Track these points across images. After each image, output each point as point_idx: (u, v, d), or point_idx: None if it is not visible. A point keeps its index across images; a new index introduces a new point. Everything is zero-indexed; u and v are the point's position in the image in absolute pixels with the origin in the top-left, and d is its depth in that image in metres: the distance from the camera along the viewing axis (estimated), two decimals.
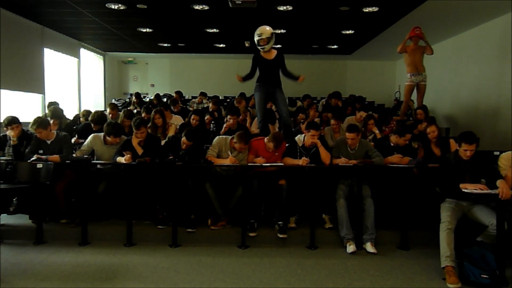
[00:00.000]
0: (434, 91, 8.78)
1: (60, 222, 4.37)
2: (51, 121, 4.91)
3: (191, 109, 8.00)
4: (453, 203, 3.53)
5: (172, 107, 6.70)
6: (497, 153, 4.11)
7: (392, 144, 4.50)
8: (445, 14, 6.84)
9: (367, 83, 11.83)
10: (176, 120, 5.94)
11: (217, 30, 8.54)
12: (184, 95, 9.82)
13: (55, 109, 5.86)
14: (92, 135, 4.62)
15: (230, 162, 4.23)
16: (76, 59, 9.85)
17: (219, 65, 11.64)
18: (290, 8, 6.73)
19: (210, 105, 7.30)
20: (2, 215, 4.37)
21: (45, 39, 8.24)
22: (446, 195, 3.62)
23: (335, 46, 10.21)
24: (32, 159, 4.15)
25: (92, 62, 11.06)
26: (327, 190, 4.22)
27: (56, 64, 8.97)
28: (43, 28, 8.14)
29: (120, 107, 8.06)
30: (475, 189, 3.33)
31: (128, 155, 4.19)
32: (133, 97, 8.90)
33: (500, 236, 3.23)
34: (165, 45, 10.27)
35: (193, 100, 9.22)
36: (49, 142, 4.41)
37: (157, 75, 12.67)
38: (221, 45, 10.24)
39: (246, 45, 9.49)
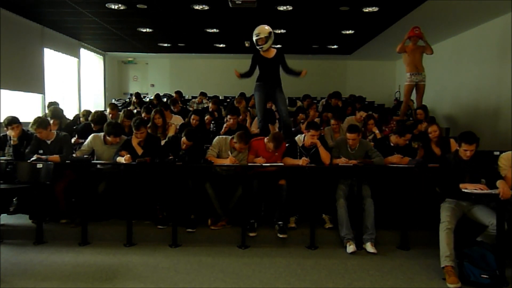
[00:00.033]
0: (434, 91, 8.79)
1: (60, 222, 4.37)
2: (51, 121, 4.91)
3: (191, 109, 8.00)
4: (453, 203, 3.53)
5: (172, 107, 6.70)
6: (497, 153, 4.11)
7: (392, 144, 4.50)
8: (445, 14, 6.84)
9: (367, 83, 11.83)
10: (176, 120, 5.94)
11: (217, 30, 8.54)
12: (184, 95, 9.82)
13: (55, 109, 5.86)
14: (92, 135, 4.62)
15: (230, 162, 4.23)
16: (76, 59, 9.85)
17: (219, 65, 11.64)
18: (290, 8, 6.73)
19: (210, 105, 7.30)
20: (2, 215, 4.37)
21: (45, 39, 8.24)
22: (446, 195, 3.62)
23: (335, 46, 10.21)
24: (32, 159, 4.16)
25: (92, 62, 11.06)
26: (327, 190, 4.22)
27: (56, 64, 8.97)
28: (43, 28, 8.14)
29: (120, 107, 8.06)
30: (475, 189, 3.33)
31: (128, 155, 4.19)
32: (133, 97, 8.90)
33: (500, 236, 3.23)
34: (165, 45, 10.27)
35: (193, 100, 9.22)
36: (49, 142, 4.41)
37: (157, 75, 12.67)
38: (221, 45, 10.24)
39: (246, 45, 9.49)
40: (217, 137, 4.58)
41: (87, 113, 5.97)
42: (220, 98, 9.56)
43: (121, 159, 4.20)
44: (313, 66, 11.53)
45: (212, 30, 8.53)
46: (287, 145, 4.52)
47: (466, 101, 7.91)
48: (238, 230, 4.09)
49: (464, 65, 8.00)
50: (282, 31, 8.42)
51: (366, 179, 4.18)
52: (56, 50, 8.83)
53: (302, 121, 5.84)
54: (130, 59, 12.67)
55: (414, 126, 5.68)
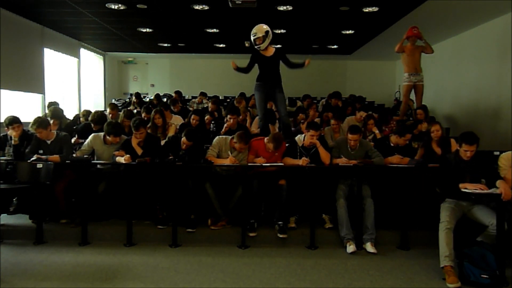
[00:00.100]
0: (434, 91, 8.79)
1: (60, 222, 4.37)
2: (51, 121, 4.91)
3: (191, 109, 8.00)
4: (453, 203, 3.53)
5: (172, 107, 6.70)
6: (497, 153, 4.11)
7: (392, 144, 4.50)
8: (445, 14, 6.84)
9: (367, 83, 11.84)
10: (176, 120, 5.94)
11: (217, 30, 8.54)
12: (184, 95, 9.82)
13: (55, 109, 5.86)
14: (92, 135, 4.62)
15: (230, 162, 4.23)
16: (76, 59, 9.85)
17: (219, 65, 11.63)
18: (290, 8, 6.73)
19: (209, 105, 7.29)
20: (2, 215, 4.37)
21: (45, 39, 8.24)
22: (446, 195, 3.62)
23: (335, 46, 10.22)
24: (32, 159, 4.15)
25: (92, 62, 11.06)
26: (327, 190, 4.22)
27: (56, 64, 8.97)
28: (43, 28, 8.14)
29: (120, 107, 8.07)
30: (475, 189, 3.33)
31: (128, 155, 4.18)
32: (133, 97, 8.90)
33: (500, 236, 3.23)
34: (165, 45, 10.27)
35: (193, 100, 9.22)
36: (49, 142, 4.41)
37: (157, 75, 12.67)
38: (221, 45, 10.24)
39: (246, 45, 9.49)
40: (217, 137, 4.58)
41: (87, 113, 5.97)
42: (220, 98, 9.55)
43: (120, 159, 4.20)
44: (313, 66, 11.45)
45: (212, 30, 8.53)
46: (287, 145, 4.52)
47: (466, 101, 7.91)
48: (238, 230, 4.09)
49: (464, 65, 8.00)
50: (282, 31, 8.42)
51: (366, 179, 4.18)
52: (56, 50, 8.83)
53: (302, 121, 5.84)
54: (130, 59, 12.67)
55: (414, 126, 5.68)
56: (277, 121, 5.72)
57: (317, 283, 3.23)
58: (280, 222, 4.12)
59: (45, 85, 8.30)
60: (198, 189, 4.26)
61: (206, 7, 6.74)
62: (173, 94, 9.00)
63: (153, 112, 5.42)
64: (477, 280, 3.13)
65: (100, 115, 5.39)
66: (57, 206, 4.36)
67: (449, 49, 8.56)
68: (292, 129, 5.68)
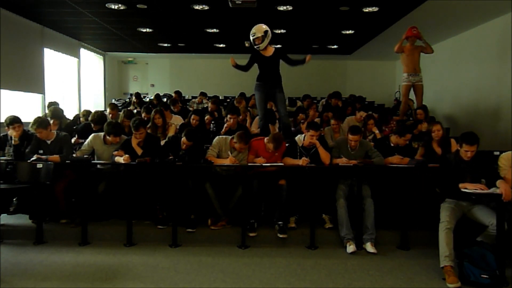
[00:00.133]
0: (434, 91, 8.79)
1: (60, 222, 4.37)
2: (51, 121, 4.91)
3: (191, 109, 8.00)
4: (453, 203, 3.53)
5: (171, 107, 6.70)
6: (497, 153, 4.11)
7: (392, 144, 4.50)
8: (445, 14, 6.84)
9: (367, 83, 11.84)
10: (176, 120, 5.94)
11: (217, 30, 8.54)
12: (184, 95, 9.82)
13: (55, 109, 5.86)
14: (92, 135, 4.62)
15: (230, 162, 4.23)
16: (76, 59, 9.85)
17: (219, 65, 11.63)
18: (290, 8, 6.73)
19: (209, 105, 7.29)
20: (2, 215, 4.37)
21: (45, 39, 8.24)
22: (446, 195, 3.62)
23: (335, 46, 10.21)
24: (32, 159, 4.15)
25: (92, 62, 11.06)
26: (327, 190, 4.22)
27: (56, 64, 8.96)
28: (43, 28, 8.14)
29: (120, 107, 8.07)
30: (475, 189, 3.33)
31: (127, 155, 4.18)
32: (133, 97, 8.90)
33: (500, 236, 3.23)
34: (165, 45, 10.27)
35: (193, 100, 9.22)
36: (49, 142, 4.41)
37: (157, 75, 12.67)
38: (221, 45, 10.23)
39: (246, 45, 9.49)
40: (217, 137, 4.59)
41: (87, 113, 5.97)
42: (220, 98, 9.56)
43: (119, 159, 4.20)
44: (313, 66, 11.55)
45: (212, 30, 8.53)
46: (287, 145, 4.52)
47: (466, 101, 7.91)
48: (238, 230, 4.09)
49: (464, 65, 8.00)
50: (282, 31, 8.42)
51: (366, 179, 4.18)
52: (56, 50, 8.83)
53: (302, 121, 5.84)
54: (130, 59, 12.67)
55: (414, 126, 5.68)
56: (277, 121, 5.72)
57: (317, 283, 3.23)
58: (280, 222, 4.12)
59: (45, 85, 8.30)
60: (198, 189, 4.26)
61: (206, 7, 6.74)
62: (173, 94, 9.01)
63: (153, 112, 5.42)
64: (477, 280, 3.13)
65: (100, 115, 5.39)
66: (57, 206, 4.36)
67: (449, 49, 8.56)
68: (292, 129, 5.68)
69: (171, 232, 4.08)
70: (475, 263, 3.18)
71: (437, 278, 3.29)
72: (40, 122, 4.31)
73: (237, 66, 5.27)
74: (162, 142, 4.77)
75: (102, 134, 4.54)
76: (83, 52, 10.22)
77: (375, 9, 6.68)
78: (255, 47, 5.15)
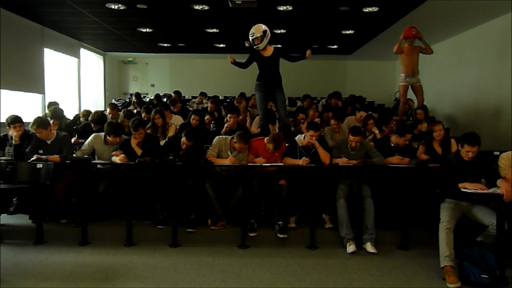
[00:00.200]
0: (434, 91, 8.79)
1: (60, 222, 4.37)
2: (51, 121, 4.90)
3: (191, 109, 8.00)
4: (453, 203, 3.53)
5: (171, 107, 6.70)
6: (497, 153, 4.11)
7: (392, 145, 4.49)
8: (445, 14, 6.84)
9: (367, 83, 11.83)
10: (176, 120, 5.94)
11: (217, 30, 8.55)
12: (184, 95, 9.82)
13: (55, 109, 5.85)
14: (93, 135, 4.62)
15: (230, 162, 4.23)
16: (76, 59, 9.85)
17: (219, 65, 11.63)
18: (290, 8, 6.73)
19: (209, 105, 7.29)
20: (2, 215, 4.37)
21: (45, 39, 8.24)
22: (446, 195, 3.62)
23: (335, 46, 10.22)
24: (32, 159, 4.15)
25: (92, 62, 11.06)
26: (327, 190, 4.22)
27: (56, 64, 8.97)
28: (43, 28, 8.14)
29: (120, 107, 8.07)
30: (476, 189, 3.33)
31: (123, 155, 4.18)
32: (133, 97, 8.90)
33: (500, 236, 3.23)
34: (165, 45, 10.27)
35: (193, 100, 9.23)
36: (49, 142, 4.41)
37: (157, 75, 12.67)
38: (221, 45, 10.24)
39: (246, 45, 9.47)
40: (217, 137, 4.58)
41: (87, 113, 5.97)
42: (220, 98, 9.56)
43: (116, 159, 4.20)
44: (313, 66, 11.58)
45: (212, 30, 8.54)
46: (287, 145, 4.52)
47: (466, 101, 7.91)
48: (238, 230, 4.09)
49: (464, 65, 8.00)
50: (282, 31, 8.42)
51: (366, 179, 4.18)
52: (56, 50, 8.83)
53: (302, 121, 5.84)
54: (130, 59, 12.67)
55: (414, 126, 5.68)
56: (277, 121, 5.72)
57: (317, 283, 3.23)
58: (280, 222, 4.12)
59: (45, 85, 8.30)
60: (198, 189, 4.26)
61: (206, 7, 6.74)
62: (173, 94, 9.01)
63: (153, 112, 5.42)
64: (477, 280, 3.13)
65: (100, 115, 5.39)
66: (57, 206, 4.36)
67: (449, 49, 8.56)
68: (292, 129, 5.68)
69: (171, 232, 4.08)
70: (475, 263, 3.18)
71: (437, 278, 3.29)
72: (40, 122, 4.31)
73: (235, 63, 5.27)
74: (162, 142, 4.77)
75: (102, 134, 4.54)
76: (83, 52, 10.23)
77: (375, 9, 6.69)
78: (255, 47, 5.15)
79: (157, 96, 9.21)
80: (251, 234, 4.09)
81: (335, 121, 5.37)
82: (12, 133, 4.41)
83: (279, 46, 9.49)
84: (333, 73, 12.15)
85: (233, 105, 6.55)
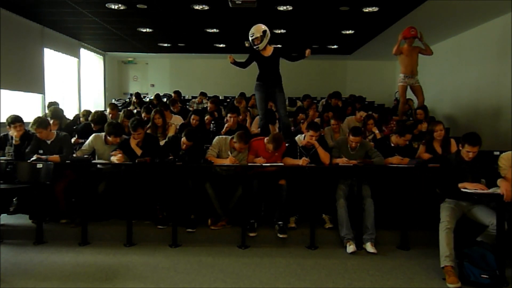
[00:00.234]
0: (434, 91, 8.79)
1: (60, 222, 4.37)
2: (51, 121, 4.90)
3: (191, 109, 8.00)
4: (453, 203, 3.53)
5: (171, 108, 6.70)
6: (497, 153, 4.11)
7: (392, 145, 4.49)
8: (445, 14, 6.84)
9: (367, 83, 11.83)
10: (176, 120, 5.94)
11: (217, 30, 8.55)
12: (184, 95, 9.82)
13: (55, 109, 5.85)
14: (93, 135, 4.61)
15: (230, 162, 4.23)
16: (76, 59, 9.85)
17: (219, 65, 11.64)
18: (290, 8, 6.73)
19: (208, 105, 7.29)
20: (2, 215, 4.37)
21: (45, 39, 8.24)
22: (446, 195, 3.62)
23: (335, 46, 10.22)
24: (32, 159, 4.15)
25: (92, 62, 11.06)
26: (327, 190, 4.22)
27: (56, 64, 8.97)
28: (43, 28, 8.14)
29: (120, 107, 8.07)
30: (475, 189, 3.33)
31: (119, 155, 4.18)
32: (133, 97, 8.90)
33: (500, 236, 3.23)
34: (165, 45, 10.27)
35: (193, 100, 9.23)
36: (49, 142, 4.41)
37: (157, 75, 12.67)
38: (221, 45, 10.24)
39: (246, 45, 9.46)
40: (217, 137, 4.58)
41: (87, 113, 5.97)
42: (220, 98, 9.56)
43: (113, 159, 4.20)
44: (313, 66, 11.59)
45: (212, 30, 8.53)
46: (287, 145, 4.52)
47: (466, 101, 7.91)
48: (238, 230, 4.09)
49: (464, 65, 8.00)
50: (282, 31, 8.42)
51: (366, 179, 4.18)
52: (56, 50, 8.83)
53: (302, 121, 5.84)
54: (130, 59, 12.67)
55: (414, 126, 5.68)
56: (277, 121, 5.72)
57: (317, 283, 3.23)
58: (280, 222, 4.12)
59: (45, 85, 8.30)
60: (198, 189, 4.26)
61: (206, 7, 6.74)
62: (172, 94, 9.01)
63: (153, 112, 5.42)
64: (477, 280, 3.13)
65: (100, 115, 5.39)
66: (57, 206, 4.36)
67: (449, 49, 8.56)
68: (292, 129, 5.68)
69: (171, 232, 4.08)
70: (475, 263, 3.17)
71: (437, 278, 3.29)
72: (40, 122, 4.31)
73: (235, 63, 5.28)
74: (162, 142, 4.77)
75: (103, 134, 4.54)
76: (83, 52, 10.23)
77: (375, 9, 6.69)
78: (255, 47, 5.15)
79: (157, 96, 9.21)
80: (251, 234, 4.09)
81: (335, 121, 5.37)
82: (13, 133, 4.42)
83: (279, 46, 9.49)
84: (333, 73, 12.16)
85: (233, 105, 6.56)
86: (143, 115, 5.96)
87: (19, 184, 4.21)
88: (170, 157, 4.34)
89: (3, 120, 4.67)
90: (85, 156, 4.50)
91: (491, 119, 7.00)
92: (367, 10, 6.77)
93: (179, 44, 10.18)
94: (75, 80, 9.90)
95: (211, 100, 7.40)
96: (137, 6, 6.69)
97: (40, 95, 8.17)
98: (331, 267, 3.52)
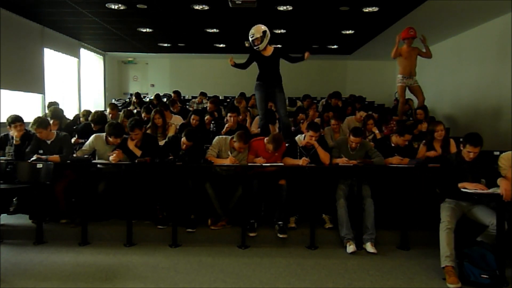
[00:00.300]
0: (434, 91, 8.79)
1: (60, 222, 4.37)
2: (51, 121, 4.90)
3: (191, 109, 8.00)
4: (453, 203, 3.53)
5: (171, 108, 6.69)
6: (497, 153, 4.11)
7: (393, 145, 4.49)
8: (445, 14, 6.84)
9: (367, 83, 11.83)
10: (176, 120, 5.94)
11: (217, 30, 8.55)
12: (184, 95, 9.82)
13: (55, 110, 5.85)
14: (94, 135, 4.60)
15: (230, 162, 4.23)
16: (76, 59, 9.85)
17: (219, 65, 11.64)
18: (290, 8, 6.73)
19: (208, 105, 7.29)
20: (2, 215, 4.37)
21: (45, 39, 8.24)
22: (446, 195, 3.62)
23: (335, 46, 10.22)
24: (32, 159, 4.15)
25: (92, 62, 11.06)
26: (327, 190, 4.22)
27: (56, 64, 8.97)
28: (43, 28, 8.14)
29: (120, 107, 8.07)
30: (475, 189, 3.33)
31: (115, 154, 4.18)
32: (133, 97, 8.91)
33: (500, 236, 3.23)
34: (165, 45, 10.27)
35: (193, 100, 9.23)
36: (49, 142, 4.40)
37: (157, 75, 12.67)
38: (221, 45, 10.24)
39: (246, 45, 9.47)
40: (217, 137, 4.58)
41: (87, 113, 5.97)
42: (220, 98, 9.56)
43: (110, 158, 4.19)
44: (313, 66, 11.59)
45: (212, 30, 8.54)
46: (287, 145, 4.52)
47: (466, 101, 7.91)
48: (238, 230, 4.09)
49: (464, 65, 8.00)
50: (282, 31, 8.42)
51: (366, 179, 4.18)
52: (56, 50, 8.83)
53: (302, 121, 5.84)
54: (130, 59, 12.68)
55: (414, 126, 5.68)
56: (277, 121, 5.72)
57: (317, 283, 3.23)
58: (280, 222, 4.12)
59: (45, 85, 8.30)
60: (198, 189, 4.26)
61: (206, 7, 6.74)
62: (172, 94, 9.01)
63: (153, 112, 5.42)
64: (477, 280, 3.13)
65: (100, 115, 5.38)
66: (57, 206, 4.36)
67: (449, 49, 8.56)
68: (292, 129, 5.68)
69: (171, 232, 4.08)
70: (475, 263, 3.18)
71: (437, 278, 3.29)
72: (40, 122, 4.31)
73: (235, 65, 5.28)
74: (162, 142, 4.77)
75: (104, 134, 4.53)
76: (83, 52, 10.23)
77: (375, 9, 6.68)
78: (255, 47, 5.15)
79: (157, 96, 9.22)
80: (251, 234, 4.09)
81: (335, 121, 5.37)
82: (13, 133, 4.42)
83: (279, 46, 9.49)
84: (333, 73, 12.16)
85: (233, 104, 6.56)
86: (143, 115, 5.96)
87: (19, 184, 4.21)
88: (170, 157, 4.34)
89: (3, 120, 4.67)
90: (85, 156, 4.50)
91: (491, 119, 7.00)
92: (367, 10, 6.77)
93: (179, 44, 10.18)
94: (75, 80, 9.90)
95: (211, 100, 7.40)
96: (137, 6, 6.69)
97: (40, 95, 8.17)
98: (331, 267, 3.52)
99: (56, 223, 4.35)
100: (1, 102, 6.80)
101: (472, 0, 6.03)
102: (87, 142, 4.58)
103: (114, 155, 4.18)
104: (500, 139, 6.47)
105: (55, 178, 4.15)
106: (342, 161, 4.28)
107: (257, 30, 5.08)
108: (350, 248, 3.83)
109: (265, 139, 4.37)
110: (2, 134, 4.78)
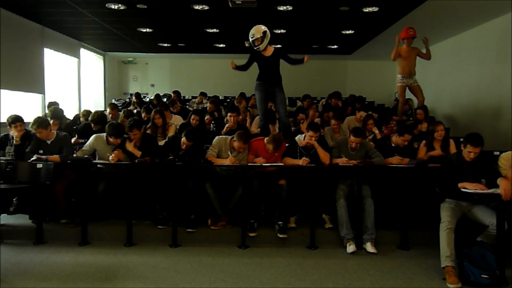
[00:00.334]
0: (434, 91, 8.79)
1: (60, 222, 4.37)
2: (51, 121, 4.90)
3: (191, 109, 8.00)
4: (453, 203, 3.53)
5: (171, 108, 6.69)
6: (497, 153, 4.11)
7: (393, 145, 4.49)
8: (445, 14, 6.84)
9: (367, 83, 11.83)
10: (176, 120, 5.94)
11: (217, 30, 8.55)
12: (184, 95, 9.81)
13: (55, 110, 5.85)
14: (94, 135, 4.59)
15: (230, 162, 4.23)
16: (76, 59, 9.85)
17: (219, 65, 11.63)
18: (290, 8, 6.74)
19: (208, 105, 7.29)
20: (2, 215, 4.37)
21: (45, 39, 8.24)
22: (447, 195, 3.62)
23: (335, 46, 10.22)
24: (32, 159, 4.15)
25: (92, 62, 11.06)
26: (327, 190, 4.22)
27: (56, 64, 8.97)
28: (43, 28, 8.14)
29: (120, 107, 8.07)
30: (475, 189, 3.33)
31: (114, 154, 4.17)
32: (133, 97, 8.91)
33: (500, 236, 3.23)
34: (165, 45, 10.27)
35: (193, 100, 9.23)
36: (49, 142, 4.41)
37: (157, 75, 12.67)
38: (221, 45, 10.24)
39: (246, 45, 9.47)
40: (217, 137, 4.58)
41: (87, 113, 5.97)
42: (220, 98, 9.56)
43: (110, 158, 4.20)
44: (313, 66, 11.56)
45: (212, 30, 8.54)
46: (287, 145, 4.52)
47: (466, 101, 7.91)
48: (238, 230, 4.09)
49: (464, 65, 8.00)
50: (282, 31, 8.42)
51: (366, 179, 4.18)
52: (56, 50, 8.83)
53: (302, 121, 5.84)
54: (130, 59, 12.68)
55: (414, 126, 5.68)
56: (277, 121, 5.72)
57: (317, 283, 3.23)
58: (280, 222, 4.12)
59: (45, 85, 8.30)
60: (198, 189, 4.26)
61: (206, 7, 6.74)
62: (172, 94, 9.01)
63: (153, 112, 5.42)
64: (477, 280, 3.13)
65: (100, 115, 5.39)
66: (57, 206, 4.36)
67: (449, 49, 8.56)
68: (292, 129, 5.68)
69: (171, 232, 4.08)
70: (475, 263, 3.18)
71: (437, 278, 3.29)
72: (40, 122, 4.31)
73: (237, 68, 5.29)
74: (162, 142, 4.77)
75: (104, 134, 4.53)
76: (83, 52, 10.23)
77: (375, 9, 6.69)
78: (255, 48, 5.16)
79: (157, 96, 9.22)
80: (251, 234, 4.09)
81: (335, 121, 5.37)
82: (14, 133, 4.42)
83: (279, 46, 9.49)
84: (333, 73, 12.16)
85: (233, 104, 6.56)
86: (143, 115, 5.96)
87: (19, 184, 4.21)
88: (170, 157, 4.34)
89: (3, 120, 4.67)
90: (85, 156, 4.50)
91: (491, 119, 7.00)
92: (367, 10, 6.77)
93: (179, 44, 10.19)
94: (75, 80, 9.90)
95: (211, 100, 7.40)
96: (137, 6, 6.69)
97: (40, 95, 8.17)
98: (331, 267, 3.52)
99: (56, 223, 4.35)
100: (1, 102, 6.80)
101: (472, 0, 6.03)
102: (88, 143, 4.57)
103: (113, 155, 4.18)
104: (500, 139, 6.47)
105: (55, 178, 4.15)
106: (342, 161, 4.28)
107: (257, 30, 5.08)
108: (350, 248, 3.83)
109: (265, 139, 4.37)
110: (2, 134, 4.78)
